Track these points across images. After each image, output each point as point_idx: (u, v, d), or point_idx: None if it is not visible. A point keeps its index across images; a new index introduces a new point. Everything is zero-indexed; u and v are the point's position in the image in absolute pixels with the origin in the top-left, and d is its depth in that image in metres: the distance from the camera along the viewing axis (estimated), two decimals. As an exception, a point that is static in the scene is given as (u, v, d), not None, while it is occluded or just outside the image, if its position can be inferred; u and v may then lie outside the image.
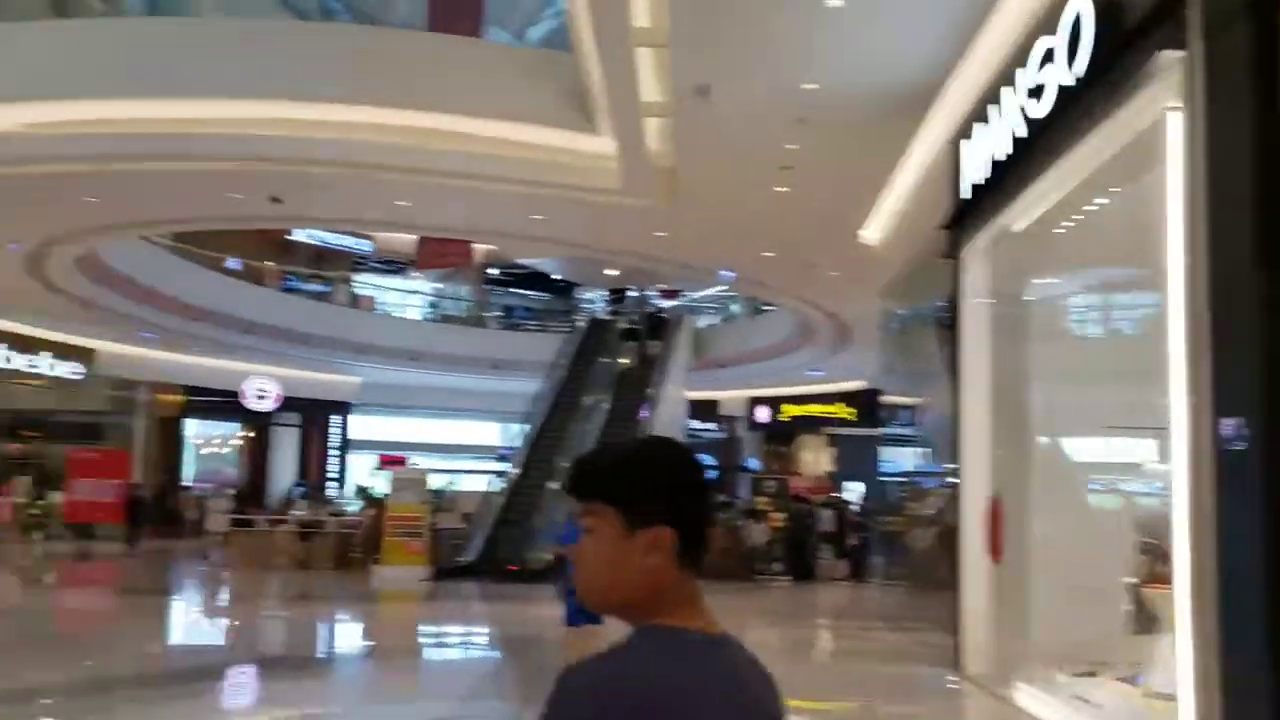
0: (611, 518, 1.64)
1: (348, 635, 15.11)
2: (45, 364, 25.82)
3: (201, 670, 11.09)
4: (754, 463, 33.54)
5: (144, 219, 16.36)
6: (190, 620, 16.16)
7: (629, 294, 29.94)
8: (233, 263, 27.89)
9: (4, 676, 10.00)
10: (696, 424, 32.91)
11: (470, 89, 12.99)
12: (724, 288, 27.13)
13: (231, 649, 13.00)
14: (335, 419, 34.82)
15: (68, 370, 26.51)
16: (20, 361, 25.11)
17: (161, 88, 12.77)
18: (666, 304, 29.80)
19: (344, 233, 31.76)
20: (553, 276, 35.82)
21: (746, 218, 14.68)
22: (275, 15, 24.25)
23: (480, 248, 25.20)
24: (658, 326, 27.06)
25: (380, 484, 33.12)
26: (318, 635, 14.72)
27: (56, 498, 27.90)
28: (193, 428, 33.01)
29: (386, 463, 31.14)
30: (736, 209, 14.36)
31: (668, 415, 23.93)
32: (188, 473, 32.51)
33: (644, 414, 22.71)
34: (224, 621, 16.01)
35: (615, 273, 25.35)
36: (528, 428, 23.55)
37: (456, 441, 37.01)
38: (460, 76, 13.06)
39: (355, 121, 13.06)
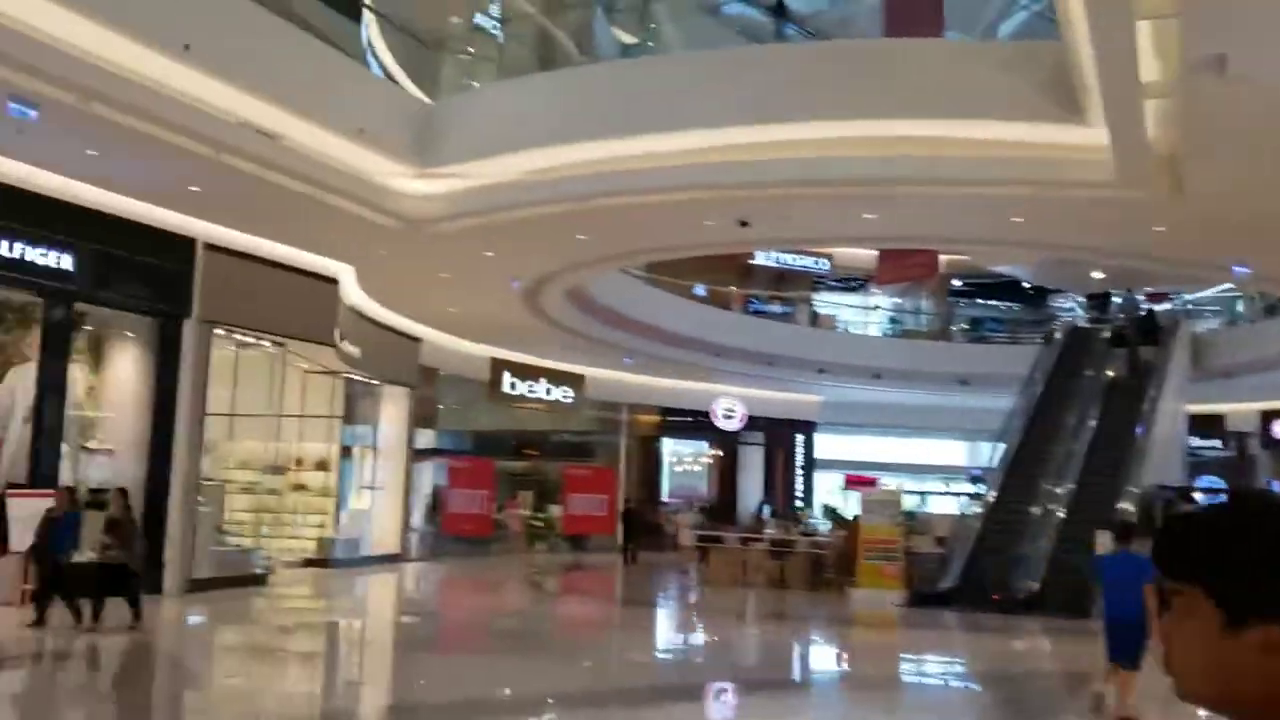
0: (1206, 606, 1.16)
1: (825, 659, 14.85)
2: (542, 389, 28.28)
3: (684, 688, 11.25)
4: (1277, 485, 29.41)
5: (626, 250, 17.27)
6: (674, 633, 16.71)
7: (1112, 299, 27.38)
8: (699, 289, 29.01)
9: (510, 681, 10.78)
10: (1197, 441, 29.40)
11: (940, 91, 12.33)
12: (1229, 287, 23.98)
13: (714, 666, 13.19)
14: (799, 438, 35.11)
15: (561, 394, 28.85)
16: (522, 387, 27.71)
17: (639, 124, 13.37)
18: (1158, 308, 26.90)
19: (802, 253, 32.02)
20: (1023, 284, 33.77)
21: (1268, 206, 12.67)
22: (734, 43, 24.92)
23: (943, 258, 24.19)
24: (1150, 332, 24.40)
25: (847, 503, 33.07)
26: (795, 657, 14.60)
27: (555, 510, 30.55)
28: (668, 446, 34.73)
29: (852, 482, 30.85)
30: (1255, 196, 12.42)
31: (1164, 432, 21.44)
32: (665, 489, 34.20)
33: (1139, 430, 20.50)
34: (706, 637, 16.39)
35: (1100, 275, 23.18)
36: (1002, 446, 22.13)
37: (922, 461, 35.97)
38: (928, 79, 12.44)
39: (819, 138, 12.86)
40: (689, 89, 13.35)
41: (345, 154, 14.06)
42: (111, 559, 11.79)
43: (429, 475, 26.08)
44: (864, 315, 35.14)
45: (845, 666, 13.98)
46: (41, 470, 13.74)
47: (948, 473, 35.90)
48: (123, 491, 12.39)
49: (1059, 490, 19.77)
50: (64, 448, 14.57)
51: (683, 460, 35.79)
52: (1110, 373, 23.12)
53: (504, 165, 14.43)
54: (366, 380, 22.28)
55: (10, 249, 13.21)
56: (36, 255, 13.55)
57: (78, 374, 15.20)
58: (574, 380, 29.15)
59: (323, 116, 13.38)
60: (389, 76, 17.62)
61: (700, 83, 13.31)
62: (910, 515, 22.32)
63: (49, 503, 12.76)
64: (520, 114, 14.51)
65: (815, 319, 32.64)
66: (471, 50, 18.51)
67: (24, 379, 14.16)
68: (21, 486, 13.51)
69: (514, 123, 14.41)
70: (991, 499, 20.53)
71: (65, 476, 14.57)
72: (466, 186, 14.96)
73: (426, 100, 15.90)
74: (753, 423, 32.18)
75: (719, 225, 14.99)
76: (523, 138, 14.16)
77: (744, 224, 14.61)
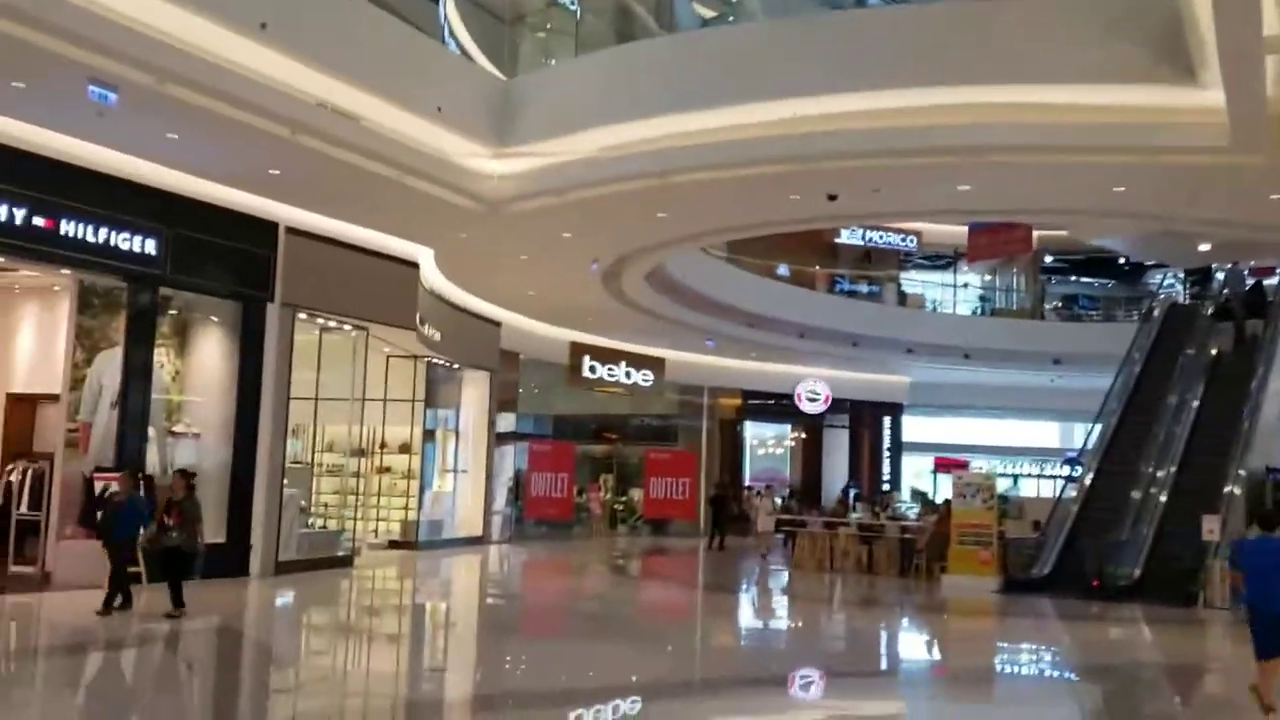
0: None
1: (917, 647, 14.37)
2: (622, 372, 28.05)
3: (771, 677, 10.90)
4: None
5: (708, 228, 16.87)
6: (760, 620, 16.35)
7: (1215, 273, 26.14)
8: (782, 269, 28.53)
9: (594, 666, 10.54)
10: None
11: (1039, 53, 11.72)
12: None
13: (802, 653, 12.81)
14: (886, 420, 34.44)
15: (641, 378, 28.60)
16: (602, 371, 27.50)
17: (721, 96, 12.97)
18: (1267, 281, 25.60)
19: (889, 231, 31.32)
20: (1119, 259, 32.57)
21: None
22: (817, 11, 24.28)
23: (1035, 234, 23.32)
24: (1258, 305, 23.19)
25: (936, 487, 32.37)
26: (886, 645, 14.16)
27: (636, 495, 30.38)
28: (751, 429, 34.32)
29: (942, 465, 30.14)
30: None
31: (1273, 411, 20.38)
32: (747, 473, 33.80)
33: (1246, 410, 19.51)
34: (793, 623, 16.01)
35: (1206, 248, 22.11)
36: (1098, 428, 21.30)
37: (1013, 443, 35.10)
38: (1027, 41, 11.83)
39: (911, 106, 12.34)
40: (772, 58, 12.90)
41: (423, 134, 13.91)
42: (170, 541, 11.69)
43: (510, 459, 26.04)
44: (953, 294, 34.27)
45: (939, 655, 13.49)
46: (128, 454, 13.85)
47: (1040, 455, 35.02)
48: (184, 473, 12.29)
49: (1160, 473, 18.96)
50: (150, 432, 14.69)
51: (765, 444, 35.37)
52: (1214, 350, 22.08)
53: (582, 142, 14.14)
54: (447, 364, 22.26)
55: (95, 234, 13.30)
56: (121, 240, 13.64)
57: (163, 358, 15.31)
58: (654, 363, 28.88)
59: (401, 96, 13.23)
60: (465, 55, 17.42)
61: (783, 51, 12.85)
62: (1003, 499, 21.64)
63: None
64: (598, 89, 14.21)
65: (903, 298, 31.87)
66: (549, 26, 18.23)
67: (111, 364, 14.28)
68: (109, 470, 13.65)
69: (592, 98, 14.11)
70: (1088, 482, 19.78)
71: (152, 461, 14.71)
72: (544, 165, 14.72)
73: (504, 78, 15.65)
74: (837, 405, 31.64)
75: (805, 200, 14.53)
76: (601, 113, 13.87)
77: (832, 198, 14.13)
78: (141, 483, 13.33)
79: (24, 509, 14.26)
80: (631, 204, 14.77)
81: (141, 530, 12.01)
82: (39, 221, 12.63)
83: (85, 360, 14.33)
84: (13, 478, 14.66)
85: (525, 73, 15.87)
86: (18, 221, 12.39)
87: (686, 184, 13.81)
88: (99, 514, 12.74)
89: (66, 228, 12.97)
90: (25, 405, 16.02)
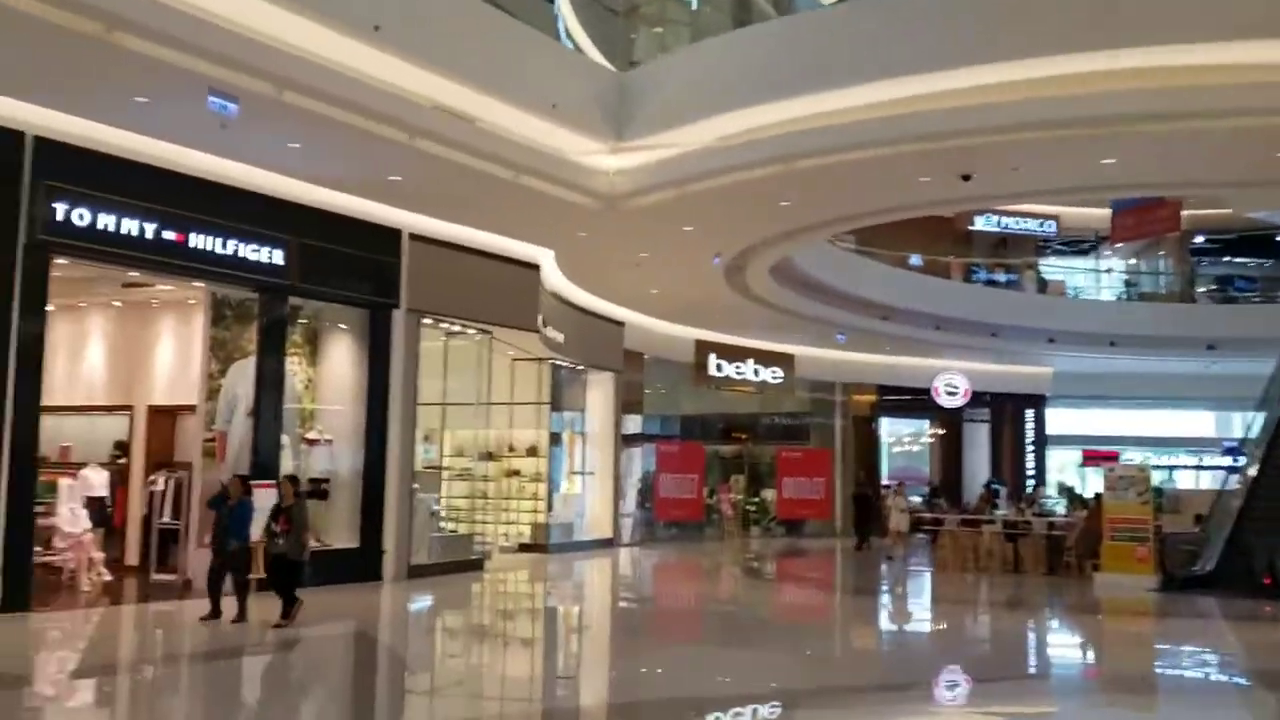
0: None
1: (1072, 650, 13.53)
2: (750, 370, 27.55)
3: (916, 684, 10.31)
4: None
5: (834, 216, 16.29)
6: (904, 623, 15.67)
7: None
8: (914, 260, 27.65)
9: (732, 671, 10.14)
10: None
11: (1192, 9, 10.85)
12: None
13: (949, 658, 12.15)
14: (1028, 412, 33.11)
15: (770, 375, 28.06)
16: (729, 369, 27.05)
17: (845, 75, 12.45)
18: None
19: (1026, 215, 30.10)
20: (1277, 237, 30.62)
21: None
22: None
23: (1183, 213, 21.96)
24: None
25: (1084, 481, 30.91)
26: (1036, 648, 13.36)
27: (768, 495, 29.81)
28: (886, 426, 33.41)
29: (1091, 458, 28.75)
30: None
31: None
32: (884, 471, 32.88)
33: None
34: (935, 626, 15.30)
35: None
36: (1261, 416, 19.91)
37: (1166, 433, 33.33)
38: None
39: (1049, 75, 11.59)
40: (898, 32, 12.32)
41: (538, 133, 13.76)
42: (277, 549, 11.44)
43: (638, 461, 25.82)
44: (1095, 279, 32.71)
45: (1096, 659, 12.65)
46: (262, 461, 14.04)
47: (1195, 446, 33.21)
48: (292, 479, 12.11)
49: (1334, 462, 17.59)
50: (285, 439, 14.89)
51: (902, 440, 34.40)
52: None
53: (701, 131, 13.78)
54: (571, 366, 22.15)
55: (224, 246, 13.51)
56: (249, 251, 13.83)
57: (295, 367, 15.54)
58: (783, 360, 28.28)
59: (515, 94, 13.09)
60: (578, 50, 17.22)
61: (911, 24, 12.23)
62: (1158, 492, 20.43)
63: (272, 493, 13.02)
64: (716, 76, 13.81)
65: (1043, 285, 30.55)
66: (665, 18, 17.88)
67: (244, 374, 14.52)
68: (250, 479, 13.82)
69: (710, 86, 13.73)
70: (1252, 473, 18.47)
71: (286, 468, 14.90)
72: (662, 158, 14.43)
73: (618, 72, 15.38)
74: (977, 398, 30.49)
75: (937, 181, 13.85)
76: (720, 101, 13.47)
77: (966, 178, 13.44)
78: (280, 488, 13.28)
79: (166, 518, 14.65)
80: (754, 193, 14.34)
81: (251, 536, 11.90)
82: (169, 236, 12.87)
83: (220, 371, 14.62)
84: (155, 488, 15.09)
85: (641, 65, 15.54)
86: (149, 236, 12.64)
87: (811, 169, 13.32)
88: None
89: (196, 241, 13.20)
90: (166, 417, 16.47)
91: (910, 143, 12.48)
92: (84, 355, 16.89)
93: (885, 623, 15.64)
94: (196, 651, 10.83)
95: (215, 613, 11.53)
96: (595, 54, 17.24)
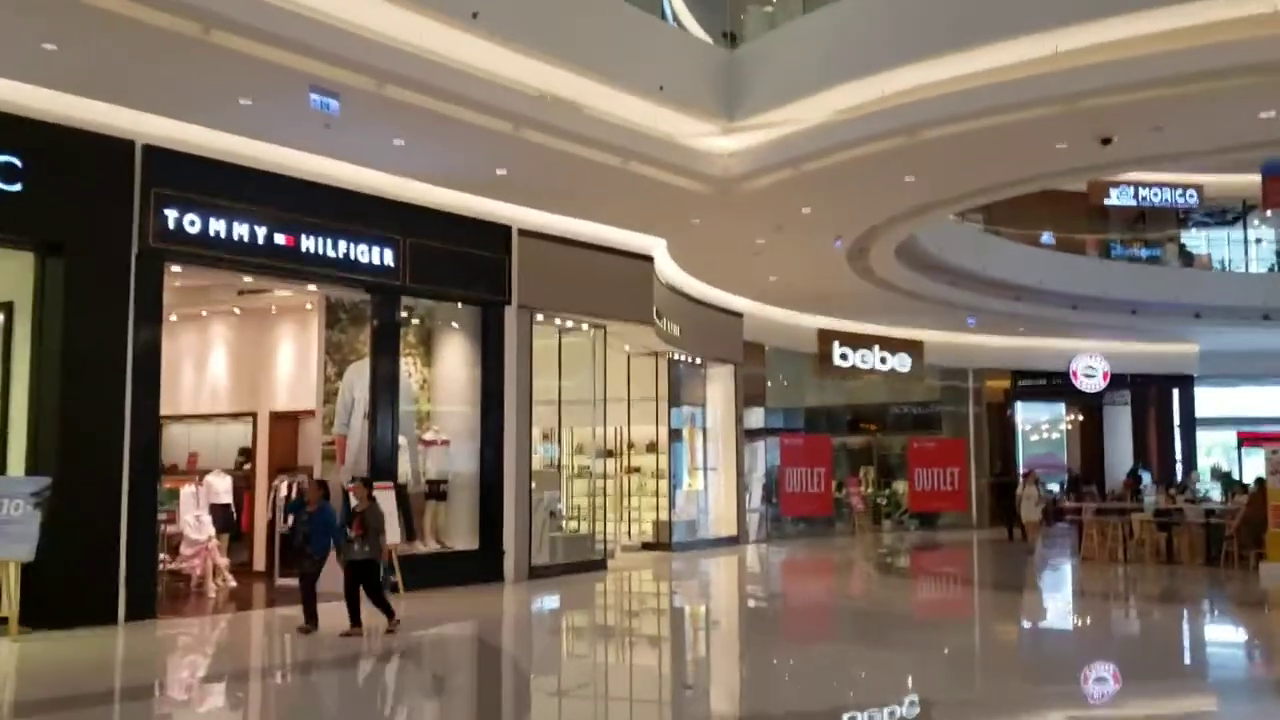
0: None
1: (1236, 649, 12.42)
2: (876, 358, 26.63)
3: (1068, 691, 9.48)
4: None
5: (962, 191, 15.40)
6: (1050, 618, 14.71)
7: None
8: (1046, 238, 26.36)
9: (869, 673, 9.51)
10: None
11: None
12: None
13: (1101, 658, 11.23)
14: (1174, 393, 31.30)
15: (897, 363, 27.09)
16: (854, 358, 26.18)
17: (969, 35, 11.59)
18: None
19: (1164, 187, 28.34)
20: None
21: None
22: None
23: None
24: None
25: (1240, 464, 29.06)
26: (1199, 647, 12.32)
27: (900, 487, 28.82)
28: (1022, 412, 32.02)
29: (1248, 440, 26.95)
30: None
31: None
32: (1020, 459, 31.50)
33: None
34: (1084, 621, 14.29)
35: None
36: None
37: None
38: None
39: (1195, 24, 10.58)
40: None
41: (646, 117, 13.32)
42: (353, 555, 10.85)
43: (762, 455, 25.15)
44: (1244, 250, 30.72)
45: (1266, 658, 11.57)
46: (380, 463, 13.91)
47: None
48: (365, 481, 11.52)
49: None
50: (402, 441, 14.75)
51: (1039, 427, 32.92)
52: None
53: (816, 107, 13.11)
54: (689, 359, 21.64)
55: (334, 248, 13.41)
56: (359, 253, 13.71)
57: (410, 368, 15.40)
58: (911, 346, 27.26)
59: (620, 78, 12.65)
60: (682, 28, 16.67)
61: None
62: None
63: (390, 495, 12.88)
64: (829, 47, 13.11)
65: (1189, 258, 28.80)
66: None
67: (360, 376, 14.43)
68: (366, 480, 13.68)
69: (823, 58, 13.03)
70: None
71: (405, 470, 14.77)
72: (776, 137, 13.79)
73: (728, 50, 14.79)
74: (1117, 380, 28.92)
75: (1074, 147, 12.91)
76: (835, 73, 12.77)
77: (1106, 141, 12.48)
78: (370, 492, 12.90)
79: (288, 522, 14.64)
80: (875, 169, 13.61)
81: (334, 543, 11.13)
82: (280, 239, 12.81)
83: (336, 374, 14.59)
84: (279, 492, 15.14)
85: (750, 41, 14.92)
86: (260, 240, 12.60)
87: (937, 139, 12.53)
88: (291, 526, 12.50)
89: (306, 244, 13.12)
90: (288, 422, 16.54)
91: (1044, 106, 11.60)
92: (208, 364, 17.10)
93: (1033, 618, 14.68)
94: (319, 659, 10.67)
95: (310, 622, 11.04)
96: (701, 33, 16.66)
